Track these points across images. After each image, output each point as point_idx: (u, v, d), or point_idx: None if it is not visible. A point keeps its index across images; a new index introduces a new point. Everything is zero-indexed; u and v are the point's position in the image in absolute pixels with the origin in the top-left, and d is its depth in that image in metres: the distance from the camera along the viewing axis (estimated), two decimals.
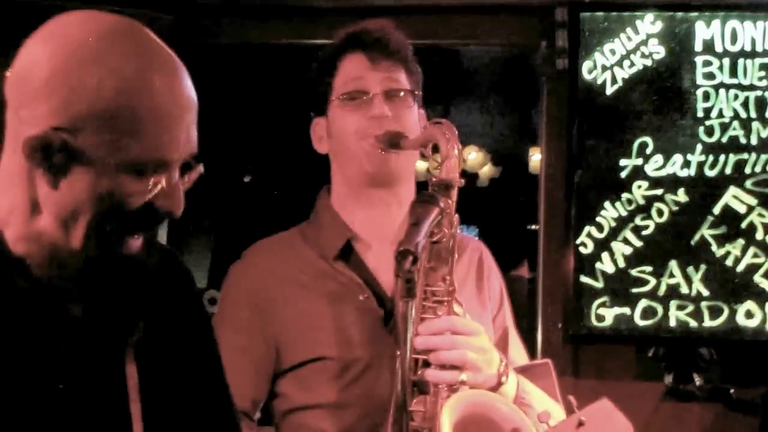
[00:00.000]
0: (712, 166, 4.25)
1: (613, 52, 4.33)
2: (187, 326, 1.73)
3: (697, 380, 4.27)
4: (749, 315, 4.17)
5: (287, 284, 2.28)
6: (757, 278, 4.17)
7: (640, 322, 4.21)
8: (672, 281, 4.21)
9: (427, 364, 2.02)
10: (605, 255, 4.25)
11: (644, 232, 4.24)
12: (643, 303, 4.21)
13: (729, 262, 4.19)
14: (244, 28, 4.77)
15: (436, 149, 2.16)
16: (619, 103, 4.32)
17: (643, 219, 4.25)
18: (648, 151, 4.27)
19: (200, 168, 1.52)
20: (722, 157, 4.25)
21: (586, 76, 4.33)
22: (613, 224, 4.26)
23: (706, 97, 4.27)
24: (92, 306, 1.56)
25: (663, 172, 4.26)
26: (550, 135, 4.55)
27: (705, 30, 4.30)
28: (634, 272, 4.23)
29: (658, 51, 4.31)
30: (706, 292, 4.19)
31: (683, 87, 4.30)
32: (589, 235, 4.26)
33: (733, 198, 4.22)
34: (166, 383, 1.64)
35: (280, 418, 2.30)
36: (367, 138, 2.22)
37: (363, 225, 2.29)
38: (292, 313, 2.25)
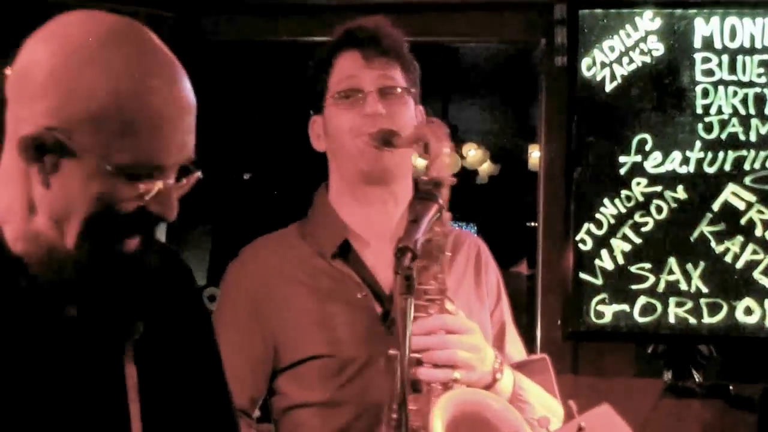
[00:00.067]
0: (711, 162, 4.25)
1: (612, 49, 4.33)
2: (188, 325, 1.73)
3: (697, 377, 4.27)
4: (748, 312, 4.17)
5: (285, 282, 2.28)
6: (756, 275, 4.18)
7: (640, 319, 4.21)
8: (671, 278, 4.21)
9: (420, 362, 2.03)
10: (604, 252, 4.25)
11: (643, 229, 4.24)
12: (642, 300, 4.21)
13: (728, 258, 4.19)
14: (244, 26, 4.77)
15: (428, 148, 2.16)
16: (618, 100, 4.32)
17: (642, 216, 4.25)
18: (647, 147, 4.27)
19: (198, 174, 1.52)
20: (721, 154, 4.25)
21: (585, 73, 4.33)
22: (612, 221, 4.26)
23: (705, 93, 4.27)
24: (88, 306, 1.56)
25: (662, 169, 4.26)
26: (549, 132, 4.55)
27: (704, 27, 4.30)
28: (633, 269, 4.23)
29: (657, 48, 4.31)
30: (705, 289, 4.19)
31: (682, 84, 4.30)
32: (588, 231, 4.26)
33: (732, 195, 4.22)
34: (165, 383, 1.64)
35: (278, 416, 2.31)
36: (361, 136, 2.22)
37: (360, 222, 2.30)
38: (291, 312, 2.25)
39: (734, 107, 4.25)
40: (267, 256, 2.35)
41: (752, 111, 4.25)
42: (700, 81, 4.28)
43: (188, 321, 1.74)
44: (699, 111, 4.27)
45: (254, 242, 2.40)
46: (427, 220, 1.96)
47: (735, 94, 4.26)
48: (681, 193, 4.24)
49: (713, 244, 4.20)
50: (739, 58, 4.28)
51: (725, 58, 4.28)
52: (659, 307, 4.20)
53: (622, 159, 4.28)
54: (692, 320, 4.18)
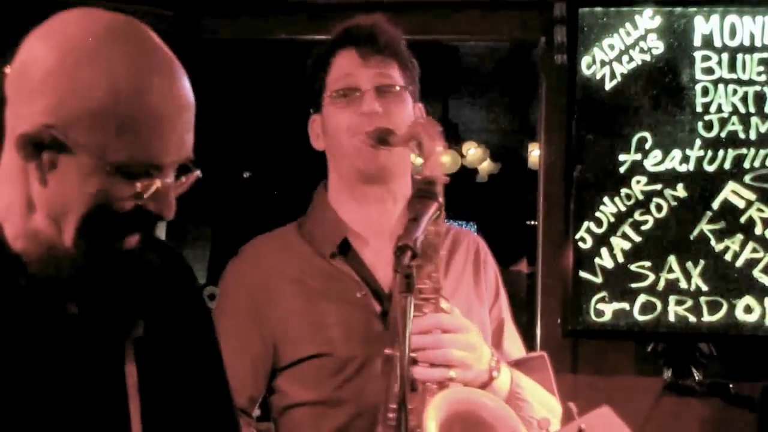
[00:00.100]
0: (711, 161, 4.24)
1: (611, 47, 4.32)
2: (189, 324, 1.73)
3: (696, 375, 4.27)
4: (748, 310, 4.17)
5: (285, 281, 2.29)
6: (756, 273, 4.17)
7: (639, 317, 4.21)
8: (671, 276, 4.20)
9: (416, 362, 2.03)
10: (604, 250, 4.25)
11: (643, 227, 4.24)
12: (642, 298, 4.21)
13: (728, 257, 4.19)
14: (243, 24, 4.76)
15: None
16: (618, 98, 4.31)
17: (642, 214, 4.24)
18: (647, 146, 4.26)
19: (197, 173, 1.52)
20: (721, 152, 4.24)
21: (585, 71, 4.33)
22: (612, 219, 4.25)
23: (705, 92, 4.27)
24: (88, 304, 1.56)
25: (662, 167, 4.26)
26: (549, 130, 4.55)
27: (704, 25, 4.29)
28: (633, 267, 4.23)
29: (657, 46, 4.31)
30: (705, 287, 4.19)
31: (682, 82, 4.29)
32: (588, 230, 4.26)
33: (732, 193, 4.22)
34: (166, 381, 1.64)
35: (278, 414, 2.31)
36: (358, 135, 2.23)
37: (359, 221, 2.30)
38: (290, 311, 2.26)
39: (734, 105, 4.25)
40: (266, 255, 2.35)
41: (752, 109, 4.25)
42: (699, 79, 4.28)
43: (189, 320, 1.74)
44: (699, 109, 4.27)
45: (253, 241, 2.40)
46: (427, 218, 1.96)
47: (735, 92, 4.26)
48: (681, 191, 4.24)
49: (713, 242, 4.20)
50: (739, 56, 4.27)
51: (725, 56, 4.28)
52: (659, 305, 4.20)
53: (621, 157, 4.28)
54: (692, 318, 4.18)
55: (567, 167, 4.35)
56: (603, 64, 4.32)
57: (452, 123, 8.60)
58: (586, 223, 4.26)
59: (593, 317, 4.22)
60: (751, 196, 4.21)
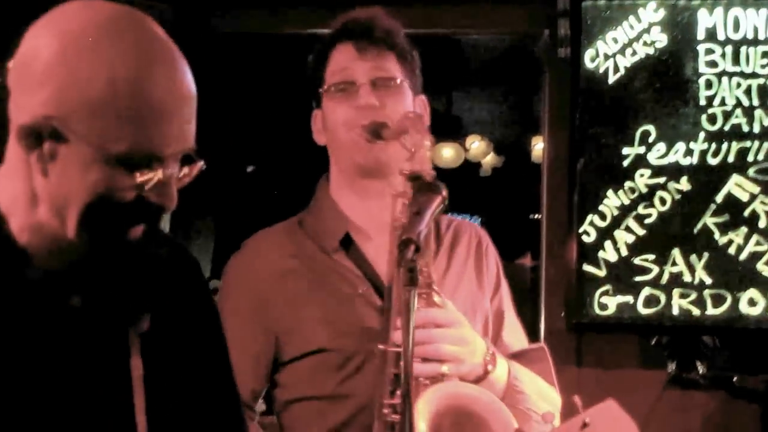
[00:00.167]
0: (715, 154, 4.24)
1: (615, 40, 4.32)
2: (195, 318, 1.73)
3: (700, 368, 4.27)
4: (752, 303, 4.16)
5: (287, 276, 2.28)
6: (760, 266, 4.17)
7: (643, 311, 4.20)
8: (675, 269, 4.20)
9: None
10: (608, 243, 4.24)
11: (647, 221, 4.24)
12: (645, 291, 4.21)
13: (732, 250, 4.18)
14: (244, 17, 4.76)
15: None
16: (622, 91, 4.31)
17: (645, 207, 4.24)
18: (650, 139, 4.26)
19: (201, 164, 1.52)
20: (725, 145, 4.24)
21: (589, 64, 4.32)
22: (616, 213, 4.25)
23: (709, 85, 4.26)
24: (93, 296, 1.56)
25: (665, 161, 4.25)
26: (553, 124, 4.55)
27: (707, 18, 4.29)
28: (636, 261, 4.23)
29: (661, 39, 4.30)
30: (708, 280, 4.19)
31: (686, 75, 4.28)
32: (591, 223, 4.26)
33: (736, 186, 4.21)
34: (172, 375, 1.64)
35: (281, 408, 2.31)
36: (355, 128, 2.22)
37: (361, 215, 2.29)
38: (292, 306, 2.26)
39: (738, 98, 4.24)
40: (268, 250, 2.35)
41: (756, 102, 4.24)
42: (703, 72, 4.27)
43: (195, 314, 1.74)
44: (702, 102, 4.26)
45: (255, 235, 2.40)
46: (431, 212, 1.96)
47: (739, 85, 4.25)
48: (685, 184, 4.23)
49: (717, 235, 4.20)
50: (743, 49, 4.26)
51: (729, 49, 4.27)
52: (663, 298, 4.19)
53: (625, 150, 4.27)
54: (696, 311, 4.18)
55: (570, 160, 4.35)
56: (606, 57, 4.31)
57: (456, 116, 8.60)
58: (589, 217, 4.26)
59: (597, 310, 4.22)
60: (755, 189, 4.20)
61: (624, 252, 4.23)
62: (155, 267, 1.63)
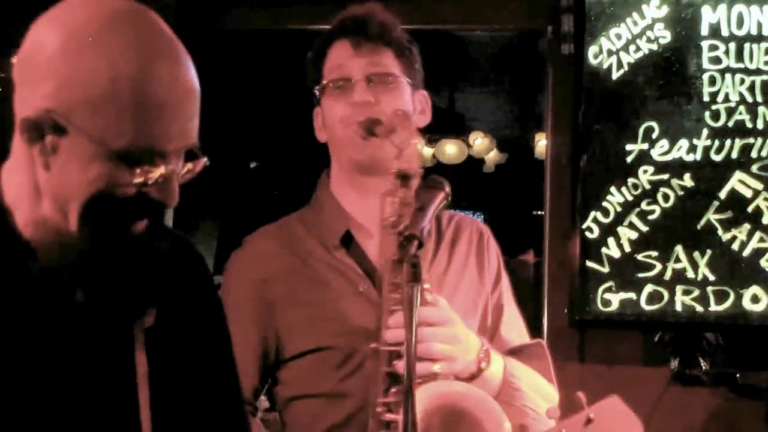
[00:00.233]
0: (718, 150, 4.24)
1: (618, 36, 4.31)
2: (200, 313, 1.73)
3: (703, 365, 4.27)
4: (755, 299, 4.16)
5: (288, 274, 2.28)
6: (763, 263, 4.17)
7: (646, 307, 4.20)
8: (678, 266, 4.20)
9: (400, 356, 2.03)
10: (611, 240, 4.24)
11: (650, 217, 4.24)
12: (649, 288, 4.21)
13: (735, 246, 4.18)
14: (247, 13, 4.76)
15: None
16: (625, 87, 4.31)
17: (649, 204, 4.24)
18: (654, 135, 4.26)
19: (204, 160, 1.52)
20: (728, 142, 4.23)
21: (592, 60, 4.32)
22: (619, 209, 4.25)
23: (712, 81, 4.26)
24: (96, 291, 1.56)
25: (669, 157, 4.25)
26: (556, 120, 4.55)
27: (711, 14, 4.28)
28: (640, 257, 4.23)
29: (664, 35, 4.30)
30: (712, 277, 4.18)
31: (689, 71, 4.28)
32: (595, 220, 4.26)
33: (739, 182, 4.21)
34: (176, 370, 1.64)
35: (282, 405, 2.31)
36: (351, 125, 2.22)
37: (361, 212, 2.29)
38: (294, 304, 2.25)
39: (741, 95, 4.24)
40: (269, 247, 2.34)
41: (759, 99, 4.24)
42: (707, 69, 4.27)
43: (200, 308, 1.74)
44: (706, 99, 4.26)
45: (256, 232, 2.40)
46: (434, 208, 1.95)
47: (742, 81, 4.25)
48: (688, 180, 4.23)
49: (720, 232, 4.20)
50: (746, 45, 4.26)
51: (732, 45, 4.27)
52: (666, 295, 4.19)
53: (628, 147, 4.27)
54: (699, 308, 4.18)
55: (574, 157, 4.35)
56: (610, 53, 4.31)
57: (459, 113, 8.60)
58: (593, 213, 4.26)
59: (600, 307, 4.22)
60: (758, 186, 4.20)
61: (627, 248, 4.23)
62: (159, 262, 1.63)
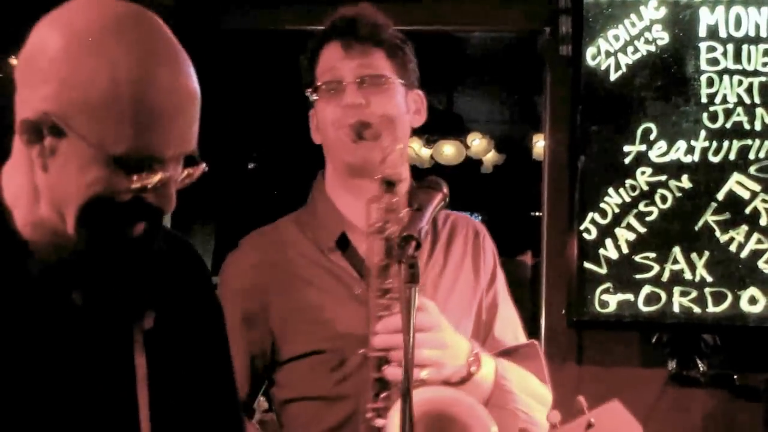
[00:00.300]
0: (716, 152, 4.24)
1: (617, 38, 4.31)
2: (199, 315, 1.73)
3: (701, 366, 4.27)
4: (753, 301, 4.16)
5: (284, 277, 2.28)
6: (761, 264, 4.17)
7: (644, 309, 4.20)
8: (676, 267, 4.20)
9: (388, 361, 2.02)
10: (609, 241, 4.24)
11: (648, 218, 4.24)
12: (646, 289, 4.21)
13: (733, 248, 4.18)
14: (245, 14, 4.75)
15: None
16: (623, 89, 4.30)
17: (646, 205, 4.24)
18: (652, 137, 4.26)
19: (203, 166, 1.51)
20: (726, 143, 4.24)
21: (590, 62, 4.32)
22: (617, 210, 4.25)
23: (710, 83, 4.26)
24: (94, 293, 1.56)
25: (667, 158, 4.25)
26: (554, 121, 4.55)
27: (709, 16, 4.28)
28: (637, 258, 4.23)
29: (662, 37, 4.30)
30: (709, 278, 4.18)
31: (687, 73, 4.28)
32: (592, 221, 4.26)
33: (737, 184, 4.21)
34: (175, 372, 1.64)
35: (279, 407, 2.31)
36: (342, 128, 2.21)
37: (356, 214, 2.28)
38: (290, 307, 2.25)
39: (739, 96, 4.24)
40: (264, 250, 2.34)
41: (757, 100, 4.24)
42: (705, 70, 4.27)
43: (199, 310, 1.74)
44: (704, 100, 4.26)
45: (251, 234, 2.39)
46: (432, 209, 1.95)
47: (740, 83, 4.25)
48: (686, 182, 4.23)
49: (718, 233, 4.20)
50: (744, 47, 4.26)
51: (730, 47, 4.27)
52: (663, 296, 4.19)
53: (626, 148, 4.27)
54: (697, 309, 4.18)
55: (572, 158, 4.35)
56: (608, 54, 4.31)
57: (457, 114, 8.60)
58: (590, 214, 4.26)
59: (598, 308, 4.22)
60: (756, 187, 4.20)
61: (625, 250, 4.23)
62: (158, 263, 1.62)
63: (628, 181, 4.25)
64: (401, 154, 2.16)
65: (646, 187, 4.25)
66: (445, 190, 2.02)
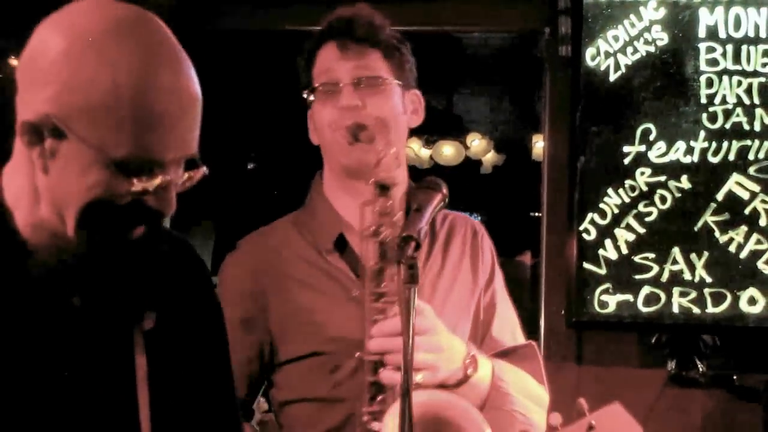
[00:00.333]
0: (716, 152, 4.24)
1: (616, 38, 4.31)
2: (199, 316, 1.73)
3: (700, 367, 4.27)
4: (752, 301, 4.16)
5: (282, 278, 2.27)
6: (761, 265, 4.17)
7: (643, 309, 4.20)
8: (675, 268, 4.20)
9: (383, 364, 2.02)
10: (608, 242, 4.24)
11: (647, 219, 4.24)
12: (646, 290, 4.21)
13: (732, 248, 4.18)
14: (244, 14, 4.75)
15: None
16: (623, 89, 4.30)
17: (646, 206, 4.24)
18: (651, 137, 4.26)
19: (203, 170, 1.51)
20: (725, 144, 4.24)
21: (590, 62, 4.32)
22: (616, 211, 4.25)
23: (710, 83, 4.26)
24: (91, 295, 1.56)
25: (666, 159, 4.25)
26: (553, 122, 4.55)
27: (708, 16, 4.28)
28: (637, 259, 4.23)
29: (662, 37, 4.30)
30: (709, 279, 4.18)
31: (686, 73, 4.28)
32: (592, 221, 4.26)
33: (737, 184, 4.21)
34: (175, 372, 1.64)
35: (277, 408, 2.31)
36: (339, 130, 2.21)
37: (354, 215, 2.27)
38: (288, 308, 2.25)
39: (738, 97, 4.24)
40: (262, 251, 2.33)
41: (756, 101, 4.24)
42: (704, 71, 4.27)
43: (199, 311, 1.74)
44: (703, 101, 4.26)
45: (249, 235, 2.38)
46: (431, 209, 1.95)
47: (739, 83, 4.25)
48: (685, 182, 4.23)
49: (717, 233, 4.20)
50: (744, 47, 4.26)
51: (729, 47, 4.27)
52: (663, 296, 4.19)
53: (626, 149, 4.27)
54: (696, 310, 4.18)
55: (571, 159, 4.35)
56: (607, 55, 4.31)
57: (456, 114, 8.60)
58: (590, 215, 4.26)
59: (597, 309, 4.22)
60: (756, 188, 4.20)
61: (624, 250, 4.23)
62: (158, 264, 1.62)
63: (628, 182, 4.25)
64: (396, 157, 2.15)
65: (645, 188, 4.25)
66: (445, 190, 2.02)
